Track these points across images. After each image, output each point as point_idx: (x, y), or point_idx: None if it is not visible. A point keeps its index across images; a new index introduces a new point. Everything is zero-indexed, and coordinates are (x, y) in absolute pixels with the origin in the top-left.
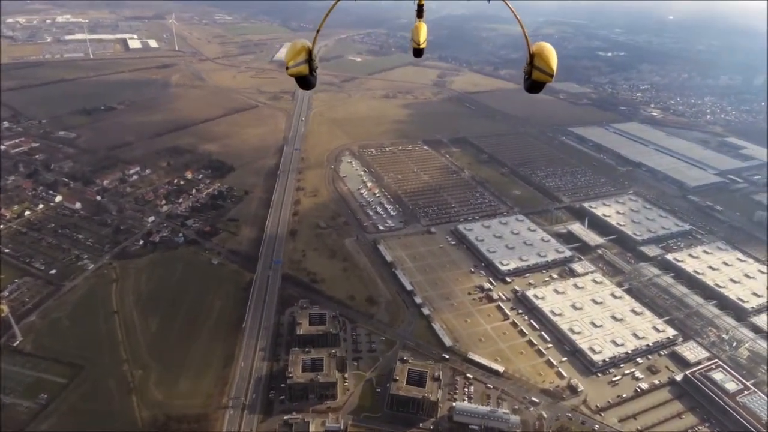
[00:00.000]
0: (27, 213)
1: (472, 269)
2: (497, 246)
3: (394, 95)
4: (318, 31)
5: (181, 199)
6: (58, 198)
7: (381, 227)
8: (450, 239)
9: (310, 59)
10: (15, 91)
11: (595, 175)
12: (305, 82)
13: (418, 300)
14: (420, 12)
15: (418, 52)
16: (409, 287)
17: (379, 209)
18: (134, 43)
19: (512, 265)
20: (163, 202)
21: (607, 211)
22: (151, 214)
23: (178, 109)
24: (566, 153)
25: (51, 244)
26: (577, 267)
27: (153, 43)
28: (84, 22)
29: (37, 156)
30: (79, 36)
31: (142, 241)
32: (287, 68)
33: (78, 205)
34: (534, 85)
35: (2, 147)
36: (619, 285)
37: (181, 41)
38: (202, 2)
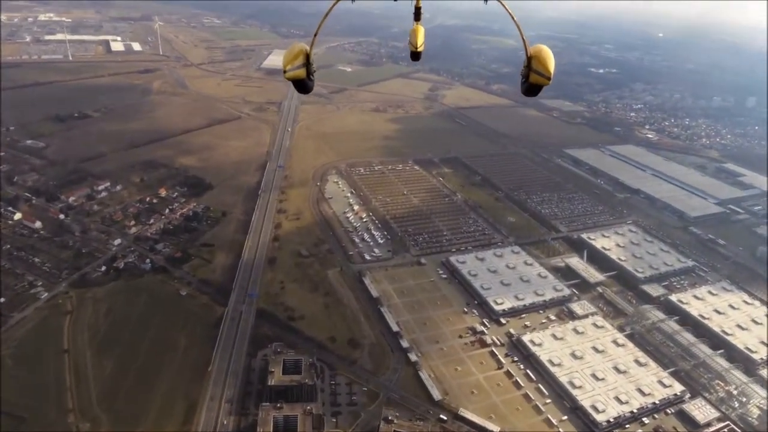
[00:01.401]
0: None
1: (465, 309)
2: (492, 282)
3: (385, 109)
4: (315, 35)
5: (152, 220)
6: (18, 215)
7: (367, 257)
8: (441, 272)
9: (307, 63)
10: None
11: (593, 202)
12: (302, 85)
13: (404, 343)
14: (417, 15)
15: (415, 55)
16: (395, 328)
17: (366, 236)
18: (117, 46)
19: (507, 305)
20: (133, 222)
21: (607, 243)
22: (117, 236)
23: (158, 119)
24: (562, 177)
25: (3, 268)
26: (576, 307)
27: (136, 46)
28: (67, 21)
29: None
30: (59, 36)
31: (104, 267)
32: (285, 72)
33: (38, 224)
34: (531, 88)
35: None
36: (621, 329)
37: (167, 45)
38: (191, 4)
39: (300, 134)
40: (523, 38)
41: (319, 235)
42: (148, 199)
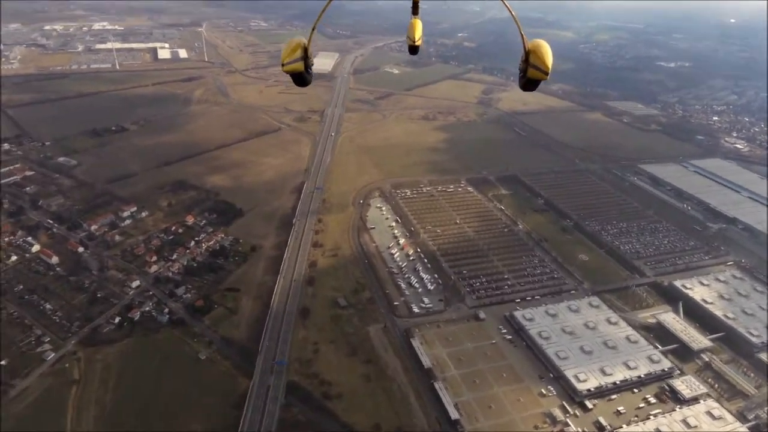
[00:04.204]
0: None
1: (540, 388)
2: (569, 348)
3: (434, 116)
4: (314, 29)
5: (175, 255)
6: (35, 248)
7: (416, 309)
8: (504, 330)
9: (305, 56)
10: (28, 106)
11: (681, 235)
12: (300, 79)
13: None
14: (415, 9)
15: (413, 49)
16: (454, 414)
17: (413, 279)
18: (164, 53)
19: (592, 382)
20: (154, 258)
21: (707, 293)
22: (137, 276)
23: (194, 131)
24: (640, 200)
25: (11, 316)
26: (681, 386)
27: (183, 53)
28: (119, 29)
29: (27, 188)
30: (109, 45)
31: (118, 319)
32: (283, 65)
33: (55, 259)
34: (529, 83)
35: None
36: (742, 417)
37: (212, 50)
38: (241, 5)
39: (342, 148)
40: (521, 33)
41: (360, 277)
42: (173, 228)
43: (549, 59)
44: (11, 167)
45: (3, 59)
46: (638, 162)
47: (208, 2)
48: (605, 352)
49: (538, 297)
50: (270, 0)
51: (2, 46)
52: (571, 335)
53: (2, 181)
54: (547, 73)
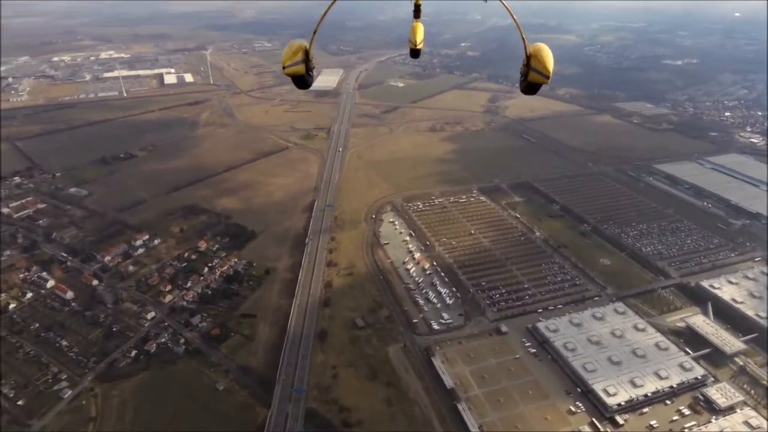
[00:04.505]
0: (12, 306)
1: (567, 404)
2: (595, 358)
3: (442, 127)
4: (315, 32)
5: (189, 283)
6: (50, 283)
7: (435, 326)
8: (527, 343)
9: (306, 59)
10: (38, 137)
11: (704, 233)
12: (302, 81)
13: None
14: (417, 12)
15: (415, 53)
16: None
17: (431, 294)
18: (170, 78)
19: (622, 395)
20: (168, 287)
21: (736, 292)
22: (152, 306)
23: (202, 155)
24: (658, 201)
25: (28, 355)
26: (716, 394)
27: (188, 78)
28: (126, 57)
29: (40, 221)
30: (116, 73)
31: (134, 352)
32: (284, 68)
33: (70, 294)
34: (530, 86)
35: (5, 210)
36: None
37: (218, 73)
38: (243, 30)
39: (350, 164)
40: (522, 36)
41: (376, 295)
42: (186, 254)
43: (550, 63)
44: (23, 201)
45: (12, 92)
46: (652, 162)
47: (212, 26)
48: (634, 362)
49: (560, 306)
50: (273, 0)
51: (11, 79)
52: (597, 345)
53: (16, 215)
54: (548, 77)
